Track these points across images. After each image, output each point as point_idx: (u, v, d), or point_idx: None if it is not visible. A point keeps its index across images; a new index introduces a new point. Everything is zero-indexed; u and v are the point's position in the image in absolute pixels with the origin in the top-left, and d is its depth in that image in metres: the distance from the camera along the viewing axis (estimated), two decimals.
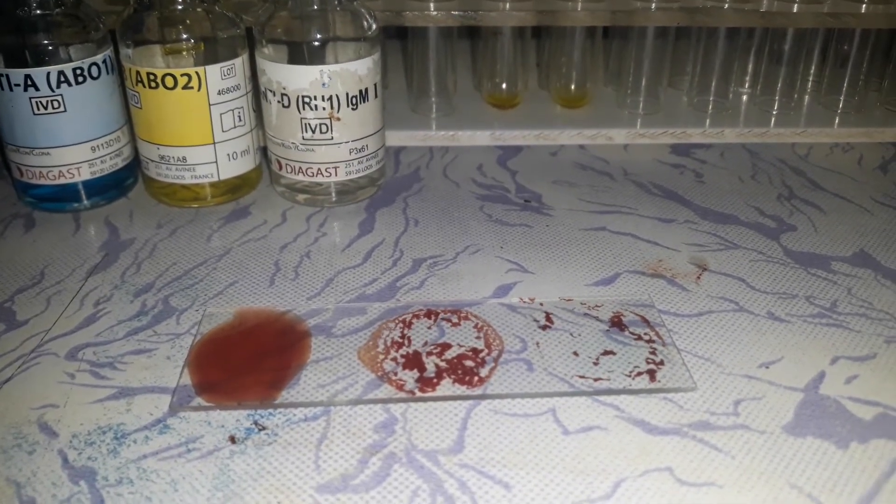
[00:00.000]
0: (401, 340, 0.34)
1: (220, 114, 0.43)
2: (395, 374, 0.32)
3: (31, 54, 0.41)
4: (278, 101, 0.43)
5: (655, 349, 0.34)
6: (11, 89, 0.41)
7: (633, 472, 0.28)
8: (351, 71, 0.42)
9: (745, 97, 0.60)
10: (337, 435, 0.29)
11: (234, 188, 0.46)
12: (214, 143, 0.44)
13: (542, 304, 0.37)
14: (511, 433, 0.29)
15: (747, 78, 0.60)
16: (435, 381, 0.32)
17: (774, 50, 0.57)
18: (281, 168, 0.45)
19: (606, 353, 0.33)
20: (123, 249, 0.42)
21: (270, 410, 0.31)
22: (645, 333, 0.35)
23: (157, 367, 0.33)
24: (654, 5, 0.52)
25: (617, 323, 0.35)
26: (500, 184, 0.49)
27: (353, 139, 0.44)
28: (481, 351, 0.34)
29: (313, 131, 0.43)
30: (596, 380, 0.32)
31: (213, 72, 0.42)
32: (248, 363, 0.33)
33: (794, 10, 0.52)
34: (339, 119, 0.43)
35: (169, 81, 0.42)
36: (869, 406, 0.31)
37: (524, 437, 0.29)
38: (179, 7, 0.42)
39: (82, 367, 0.33)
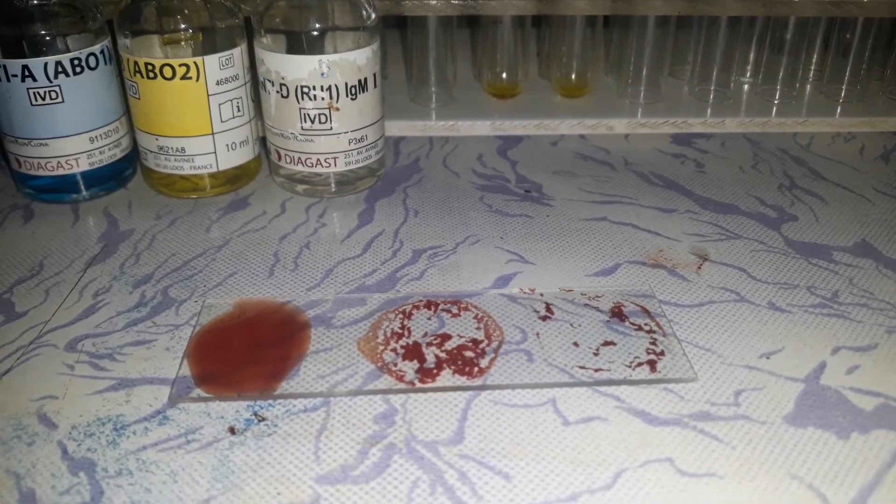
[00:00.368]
0: (401, 331, 0.34)
1: (219, 104, 0.43)
2: (395, 364, 0.32)
3: (28, 45, 0.41)
4: (277, 92, 0.43)
5: (656, 340, 0.34)
6: (9, 80, 0.41)
7: (633, 463, 0.28)
8: (350, 61, 0.42)
9: (746, 86, 0.60)
10: (337, 426, 0.29)
11: (233, 179, 0.46)
12: (213, 134, 0.44)
13: (542, 295, 0.37)
14: (511, 424, 0.29)
15: (749, 67, 0.60)
16: (435, 371, 0.32)
17: (776, 39, 0.56)
18: (280, 158, 0.45)
19: (607, 343, 0.33)
20: (122, 240, 0.41)
21: (270, 401, 0.30)
22: (645, 324, 0.35)
23: (157, 358, 0.33)
24: None
25: (617, 313, 0.35)
26: (501, 174, 0.49)
27: (353, 129, 0.44)
28: (481, 342, 0.33)
29: (312, 121, 0.43)
30: (596, 370, 0.32)
31: (212, 62, 0.42)
32: (248, 354, 0.33)
33: None
34: (338, 109, 0.43)
35: (167, 72, 0.42)
36: (870, 396, 0.31)
37: (524, 428, 0.29)
38: None
39: (81, 358, 0.33)
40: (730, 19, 0.55)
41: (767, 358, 0.33)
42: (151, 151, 0.44)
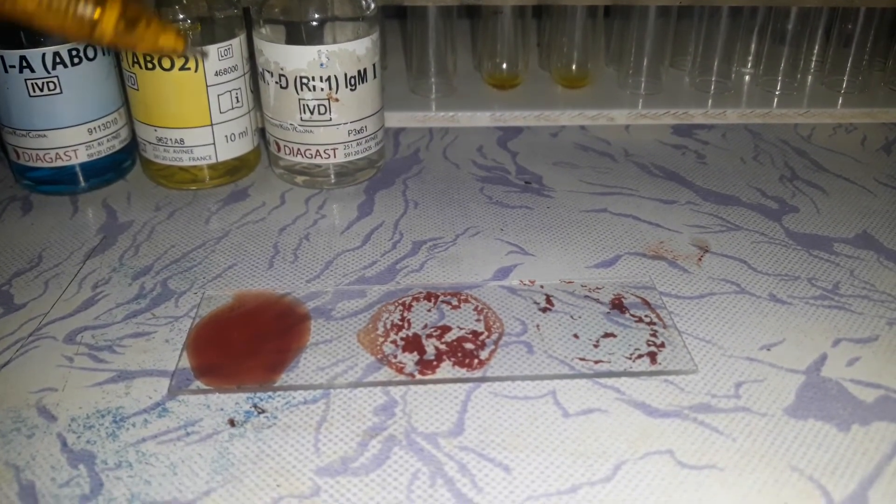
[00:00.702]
0: (400, 323, 0.34)
1: (218, 95, 0.43)
2: (395, 356, 0.32)
3: (26, 35, 0.41)
4: (276, 82, 0.43)
5: (656, 331, 0.34)
6: (7, 71, 0.41)
7: (633, 455, 0.28)
8: (349, 51, 0.42)
9: (747, 77, 0.60)
10: (336, 418, 0.29)
11: (233, 170, 0.46)
12: (212, 125, 0.44)
13: (542, 287, 0.37)
14: (511, 416, 0.29)
15: (750, 58, 0.60)
16: (435, 363, 0.32)
17: (777, 29, 0.56)
18: (279, 150, 0.45)
19: (607, 335, 0.33)
20: (121, 232, 0.41)
21: (270, 393, 0.30)
22: (646, 315, 0.35)
23: (156, 350, 0.33)
24: None
25: (618, 305, 0.35)
26: (501, 165, 0.49)
27: (352, 120, 0.44)
28: (481, 333, 0.33)
29: (311, 112, 0.43)
30: (596, 362, 0.32)
31: (211, 52, 0.42)
32: (248, 346, 0.33)
33: None
34: (337, 100, 0.43)
35: (166, 62, 0.41)
36: (871, 388, 0.31)
37: (524, 420, 0.29)
38: None
39: (81, 350, 0.33)
40: (731, 10, 0.55)
41: (768, 350, 0.33)
42: (150, 143, 0.44)
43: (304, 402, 0.30)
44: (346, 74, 0.42)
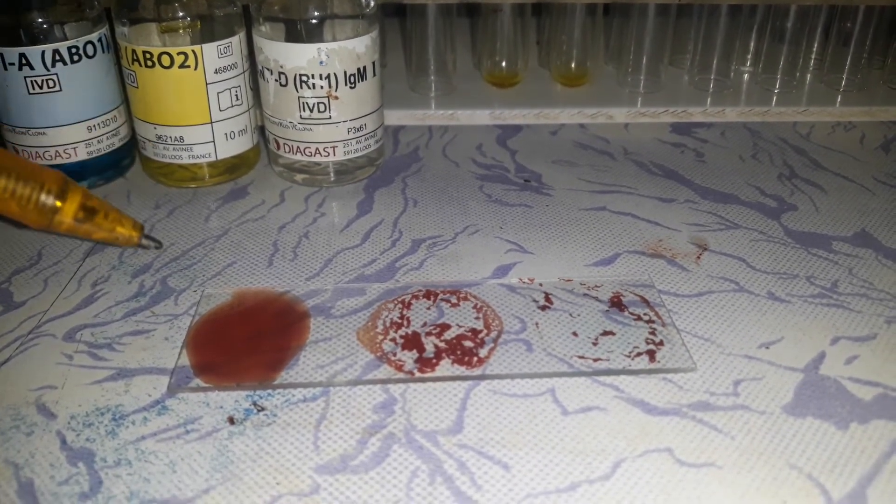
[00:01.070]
0: (400, 321, 0.34)
1: (217, 93, 0.43)
2: (395, 354, 0.32)
3: (25, 33, 0.41)
4: (276, 80, 0.43)
5: (655, 329, 0.34)
6: (6, 68, 0.41)
7: (632, 453, 0.28)
8: (349, 49, 0.42)
9: (746, 76, 0.60)
10: (336, 415, 0.29)
11: (232, 168, 0.46)
12: (212, 123, 0.44)
13: (541, 285, 0.37)
14: (510, 413, 0.29)
15: (749, 56, 0.60)
16: (434, 361, 0.32)
17: (776, 28, 0.56)
18: (279, 148, 0.45)
19: (606, 333, 0.33)
20: None
21: (269, 391, 0.30)
22: (644, 314, 0.35)
23: (156, 347, 0.33)
24: None
25: (616, 303, 0.35)
26: (500, 163, 0.49)
27: (352, 118, 0.44)
28: (480, 331, 0.33)
29: (311, 110, 0.43)
30: (595, 360, 0.32)
31: (210, 50, 0.42)
32: (247, 344, 0.33)
33: None
34: (337, 98, 0.43)
35: (165, 60, 0.41)
36: (869, 386, 0.31)
37: (523, 418, 0.29)
38: None
39: (80, 348, 0.33)
40: (730, 8, 0.55)
41: (767, 348, 0.33)
42: (150, 140, 0.44)
43: (303, 400, 0.30)
44: (345, 72, 0.42)
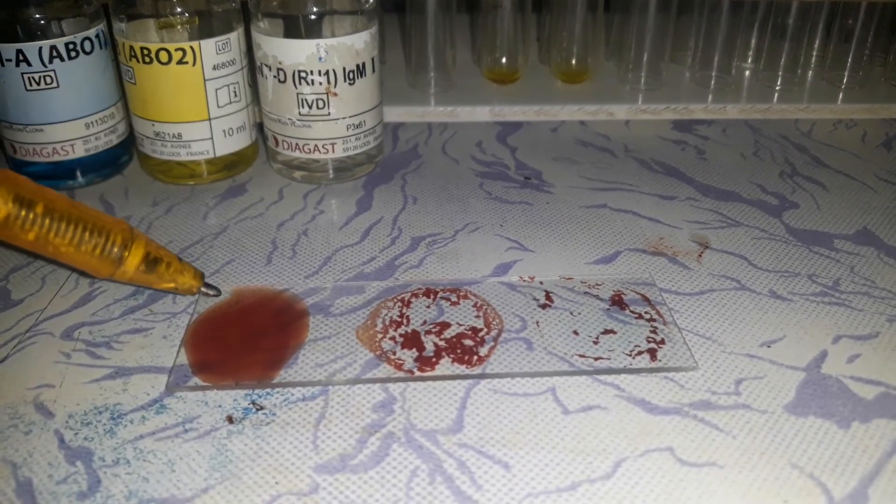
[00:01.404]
0: (399, 319, 0.34)
1: (216, 89, 0.43)
2: (394, 353, 0.32)
3: (22, 29, 0.40)
4: (274, 76, 0.42)
5: (656, 328, 0.33)
6: (3, 65, 0.41)
7: (633, 452, 0.28)
8: (348, 45, 0.41)
9: (747, 73, 0.59)
10: (335, 414, 0.29)
11: (231, 165, 0.46)
12: (210, 120, 0.43)
13: (541, 283, 0.36)
14: (510, 413, 0.29)
15: (750, 53, 0.59)
16: (434, 360, 0.32)
17: (778, 24, 0.56)
18: (277, 144, 0.45)
19: (607, 331, 0.33)
20: None
21: (268, 390, 0.30)
22: (646, 312, 0.34)
23: (154, 346, 0.33)
24: None
25: (617, 301, 0.35)
26: (500, 160, 0.49)
27: (351, 115, 0.43)
28: (480, 330, 0.33)
29: (310, 107, 0.43)
30: (596, 359, 0.32)
31: (208, 46, 0.42)
32: (246, 342, 0.33)
33: None
34: (335, 94, 0.42)
35: (163, 56, 0.41)
36: (871, 385, 0.31)
37: (524, 417, 0.29)
38: None
39: (78, 346, 0.33)
40: (731, 4, 0.54)
41: (768, 346, 0.33)
42: (148, 137, 0.44)
43: (302, 399, 0.30)
44: (344, 69, 0.42)
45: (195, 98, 0.43)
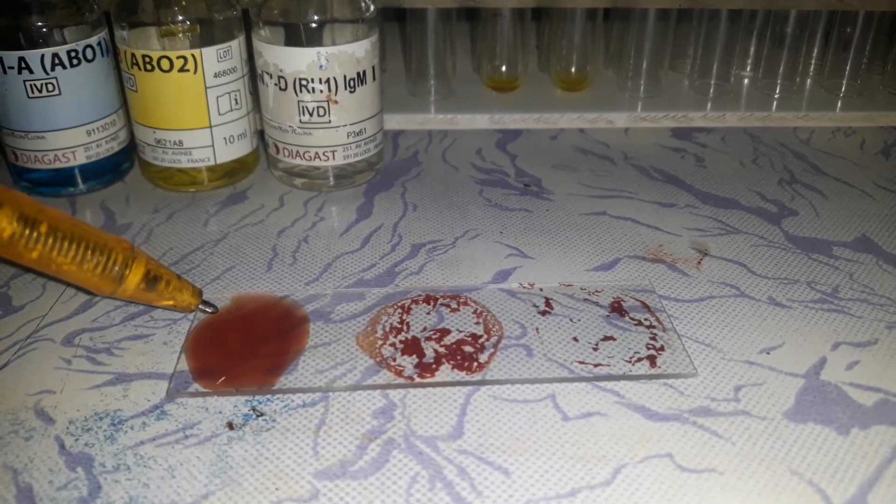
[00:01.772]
0: (399, 326, 0.34)
1: (217, 97, 0.43)
2: (394, 359, 0.32)
3: (24, 36, 0.41)
4: (275, 84, 0.43)
5: (656, 335, 0.33)
6: (5, 72, 0.41)
7: (633, 459, 0.28)
8: (349, 53, 0.42)
9: (746, 81, 0.60)
10: (335, 421, 0.29)
11: (231, 172, 0.46)
12: (211, 127, 0.44)
13: (541, 290, 0.37)
14: (510, 419, 0.29)
15: (749, 61, 0.60)
16: (434, 366, 0.32)
17: (776, 33, 0.56)
18: (278, 152, 0.45)
19: (606, 338, 0.33)
20: (120, 234, 0.41)
21: (268, 396, 0.30)
22: (645, 319, 0.34)
23: (154, 352, 0.33)
24: None
25: (617, 308, 0.35)
26: (500, 168, 0.49)
27: (351, 122, 0.44)
28: (480, 336, 0.33)
29: (311, 114, 0.43)
30: (596, 365, 0.32)
31: (209, 54, 0.42)
32: (246, 349, 0.33)
33: None
34: (336, 102, 0.43)
35: (165, 64, 0.41)
36: (870, 392, 0.31)
37: (524, 423, 0.29)
38: None
39: (79, 352, 0.33)
40: (730, 13, 0.55)
41: (767, 353, 0.33)
42: (149, 144, 0.44)
43: (302, 405, 0.30)
44: (345, 76, 0.42)
45: (196, 105, 0.43)
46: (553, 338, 0.33)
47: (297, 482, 0.27)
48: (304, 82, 0.42)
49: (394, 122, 0.54)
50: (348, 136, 0.44)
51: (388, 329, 0.34)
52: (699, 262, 0.39)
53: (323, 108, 0.43)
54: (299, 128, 0.43)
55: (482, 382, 0.31)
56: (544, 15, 0.60)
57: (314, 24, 0.42)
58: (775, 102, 0.56)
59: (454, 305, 0.35)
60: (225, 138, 0.44)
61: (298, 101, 0.42)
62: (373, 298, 0.36)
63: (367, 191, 0.46)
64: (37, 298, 0.36)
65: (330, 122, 0.43)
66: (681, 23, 0.58)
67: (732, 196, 0.45)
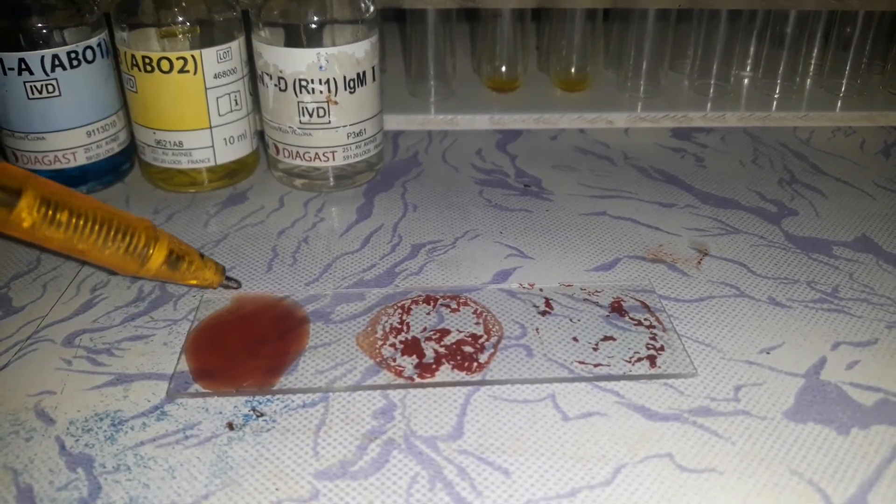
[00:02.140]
0: (399, 326, 0.34)
1: (217, 98, 0.43)
2: (394, 360, 0.32)
3: (25, 38, 0.41)
4: (275, 85, 0.43)
5: (656, 335, 0.33)
6: (6, 73, 0.41)
7: (633, 459, 0.28)
8: (348, 54, 0.42)
9: (746, 81, 0.60)
10: (335, 421, 0.29)
11: (231, 173, 0.46)
12: (211, 128, 0.44)
13: (541, 290, 0.37)
14: (510, 419, 0.29)
15: (749, 61, 0.60)
16: (434, 367, 0.32)
17: (776, 33, 0.56)
18: (278, 153, 0.45)
19: (606, 338, 0.33)
20: None
21: (268, 397, 0.30)
22: (645, 319, 0.34)
23: (155, 353, 0.33)
24: None
25: (617, 308, 0.35)
26: (500, 168, 0.49)
27: (351, 123, 0.44)
28: (480, 337, 0.33)
29: (311, 115, 0.43)
30: (596, 365, 0.32)
31: (209, 55, 0.42)
32: (246, 349, 0.33)
33: None
34: (336, 103, 0.43)
35: (164, 65, 0.41)
36: (870, 392, 0.31)
37: (524, 424, 0.29)
38: None
39: (79, 353, 0.33)
40: (730, 13, 0.55)
41: (767, 353, 0.33)
42: (149, 145, 0.44)
43: (302, 406, 0.30)
44: (345, 77, 0.42)
45: (196, 106, 0.43)
46: (553, 338, 0.33)
47: (297, 482, 0.27)
48: (303, 83, 0.42)
49: (394, 122, 0.54)
50: (348, 136, 0.44)
51: (388, 329, 0.34)
52: (699, 262, 0.39)
53: (323, 108, 0.43)
54: (299, 128, 0.43)
55: (482, 382, 0.31)
56: (544, 15, 0.60)
57: (314, 25, 0.42)
58: (775, 102, 0.56)
59: (454, 306, 0.35)
60: (225, 139, 0.44)
61: (298, 102, 0.42)
62: (373, 299, 0.36)
63: (367, 191, 0.46)
64: (37, 299, 0.36)
65: (330, 122, 0.43)
66: (680, 23, 0.58)
67: (732, 196, 0.45)
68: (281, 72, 0.42)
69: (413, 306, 0.35)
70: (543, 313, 0.35)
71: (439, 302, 0.36)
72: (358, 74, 0.42)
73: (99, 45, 0.43)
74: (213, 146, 0.44)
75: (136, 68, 0.42)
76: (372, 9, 0.43)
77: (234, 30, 0.43)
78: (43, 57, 0.41)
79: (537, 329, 0.34)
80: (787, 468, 0.27)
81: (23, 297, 0.36)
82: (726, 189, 0.46)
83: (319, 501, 0.26)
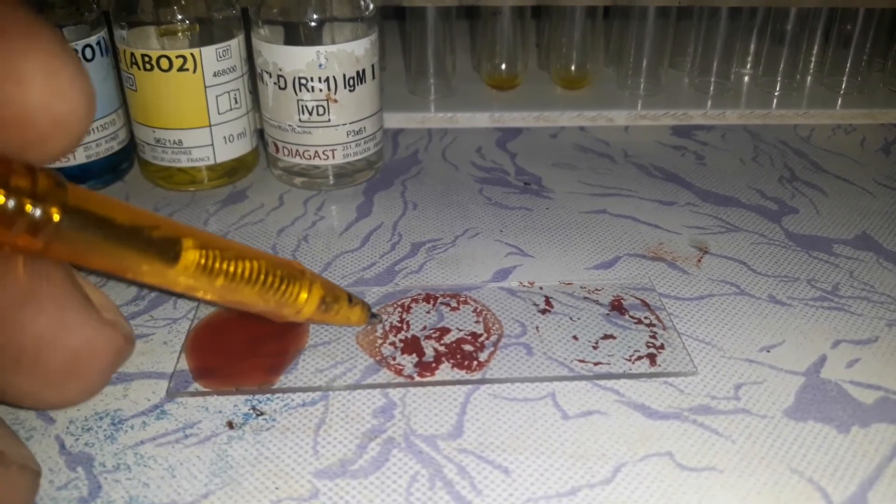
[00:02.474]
0: (399, 325, 0.34)
1: (216, 96, 0.43)
2: (394, 358, 0.32)
3: None
4: (274, 83, 0.43)
5: (656, 333, 0.33)
6: None
7: (633, 457, 0.28)
8: (348, 52, 0.42)
9: (746, 78, 0.60)
10: (335, 420, 0.29)
11: (231, 171, 0.46)
12: (210, 126, 0.44)
13: (541, 288, 0.37)
14: (510, 418, 0.29)
15: (749, 59, 0.60)
16: (434, 365, 0.32)
17: (776, 30, 0.56)
18: (278, 151, 0.45)
19: (606, 337, 0.33)
20: None
21: (268, 395, 0.30)
22: (645, 317, 0.34)
23: (154, 352, 0.33)
24: None
25: (617, 307, 0.35)
26: (500, 166, 0.49)
27: (351, 121, 0.44)
28: (480, 335, 0.33)
29: (310, 113, 0.43)
30: (596, 364, 0.32)
31: (209, 53, 0.42)
32: (246, 348, 0.33)
33: None
34: (336, 101, 0.43)
35: (164, 63, 0.41)
36: (870, 390, 0.31)
37: (523, 422, 0.29)
38: None
39: None
40: (730, 10, 0.55)
41: (767, 351, 0.33)
42: (148, 144, 0.44)
43: (302, 405, 0.30)
44: (344, 75, 0.42)
45: (196, 105, 0.43)
46: (553, 336, 0.33)
47: (297, 481, 0.27)
48: (303, 81, 0.42)
49: (393, 120, 0.54)
50: (348, 134, 0.44)
51: (387, 328, 0.34)
52: (699, 260, 0.39)
53: (322, 106, 0.43)
54: (299, 127, 0.43)
55: (482, 381, 0.31)
56: (544, 13, 0.60)
57: (313, 23, 0.42)
58: (775, 100, 0.56)
59: (454, 304, 0.35)
60: (224, 137, 0.44)
61: (298, 100, 0.42)
62: (372, 297, 0.36)
63: (366, 189, 0.46)
64: None
65: (329, 120, 0.43)
66: (681, 20, 0.58)
67: (732, 194, 0.45)
68: (280, 70, 0.42)
69: (413, 305, 0.35)
70: (543, 312, 0.35)
71: (439, 300, 0.36)
72: (357, 72, 0.42)
73: (98, 43, 0.43)
74: (212, 144, 0.44)
75: (135, 67, 0.42)
76: (371, 6, 0.43)
77: (233, 28, 0.43)
78: None
79: (537, 327, 0.34)
80: (788, 466, 0.27)
81: None
82: (726, 187, 0.46)
83: (319, 500, 0.26)
